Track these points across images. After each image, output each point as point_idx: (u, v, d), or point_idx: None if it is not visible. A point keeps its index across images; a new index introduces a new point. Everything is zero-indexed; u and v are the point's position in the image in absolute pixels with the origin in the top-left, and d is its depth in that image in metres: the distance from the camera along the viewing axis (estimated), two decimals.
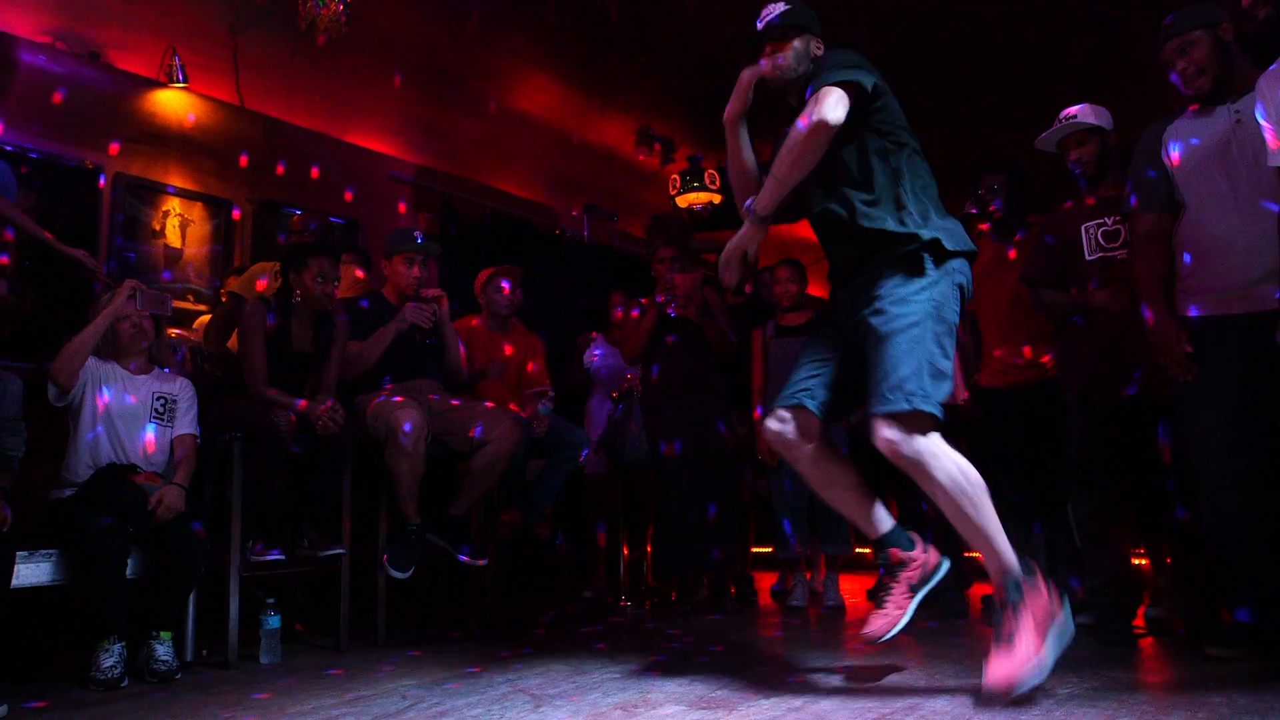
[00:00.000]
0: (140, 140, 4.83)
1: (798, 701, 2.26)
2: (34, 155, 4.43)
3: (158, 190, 4.91)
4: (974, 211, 3.84)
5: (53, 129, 4.50)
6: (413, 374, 3.67)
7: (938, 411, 2.19)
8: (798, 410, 2.40)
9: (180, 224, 4.98)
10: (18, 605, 2.73)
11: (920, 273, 2.26)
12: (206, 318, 4.66)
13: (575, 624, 3.85)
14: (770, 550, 4.61)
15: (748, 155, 2.55)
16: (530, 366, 4.30)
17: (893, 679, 2.52)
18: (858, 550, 4.72)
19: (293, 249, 3.60)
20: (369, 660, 3.05)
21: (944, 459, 2.20)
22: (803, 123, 2.24)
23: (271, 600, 3.10)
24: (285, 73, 5.01)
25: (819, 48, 2.47)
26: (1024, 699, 2.12)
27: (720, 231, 6.55)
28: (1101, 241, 3.21)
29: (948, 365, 2.24)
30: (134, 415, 3.04)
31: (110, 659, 2.66)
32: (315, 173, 5.31)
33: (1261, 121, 2.51)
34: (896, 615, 2.36)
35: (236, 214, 5.17)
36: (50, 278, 4.03)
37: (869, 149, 2.32)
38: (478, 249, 5.64)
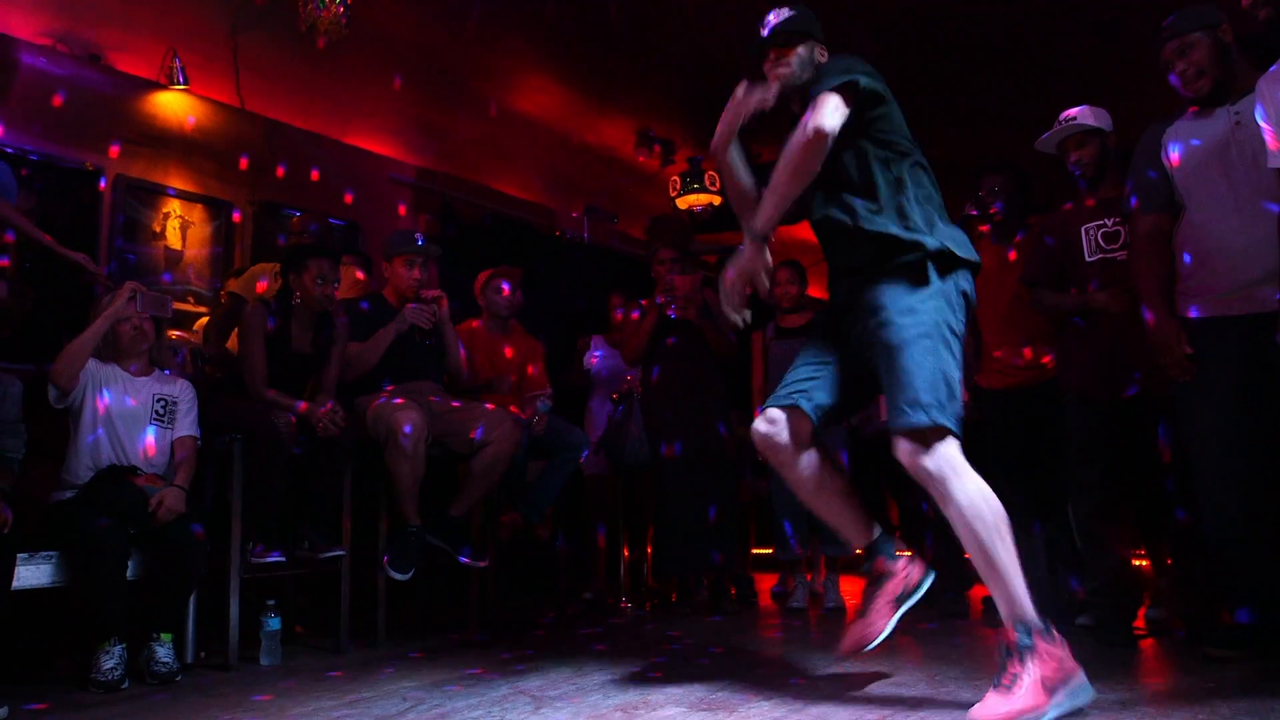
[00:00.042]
0: (140, 142, 4.83)
1: (798, 703, 2.26)
2: (34, 157, 4.43)
3: (158, 192, 4.91)
4: (974, 213, 3.84)
5: (53, 131, 4.50)
6: (413, 375, 3.67)
7: (955, 425, 2.12)
8: (791, 411, 2.33)
9: (180, 226, 4.99)
10: (18, 607, 2.73)
11: (925, 282, 2.20)
12: (207, 319, 4.66)
13: (575, 625, 3.85)
14: (770, 551, 4.61)
15: (744, 177, 2.45)
16: (530, 369, 4.30)
17: (892, 681, 2.52)
18: (858, 551, 4.71)
19: (292, 251, 3.60)
20: (369, 662, 3.05)
21: (966, 479, 2.12)
22: (799, 132, 2.18)
23: (272, 602, 3.09)
24: (285, 74, 5.01)
25: (823, 54, 2.42)
26: None
27: (721, 233, 6.56)
28: (1101, 243, 3.21)
29: (959, 375, 2.19)
30: (134, 417, 3.04)
31: (110, 661, 2.66)
32: (315, 174, 5.30)
33: (1261, 123, 2.51)
34: (878, 628, 2.30)
35: (237, 216, 5.17)
36: (50, 280, 4.03)
37: (870, 156, 2.27)
38: (478, 250, 5.63)
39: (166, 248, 4.93)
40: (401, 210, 5.92)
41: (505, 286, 4.35)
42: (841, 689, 2.43)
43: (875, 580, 2.39)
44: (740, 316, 2.34)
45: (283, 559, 3.16)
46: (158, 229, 4.90)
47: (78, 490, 2.91)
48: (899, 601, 2.35)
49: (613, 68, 5.26)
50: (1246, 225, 2.67)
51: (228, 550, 3.05)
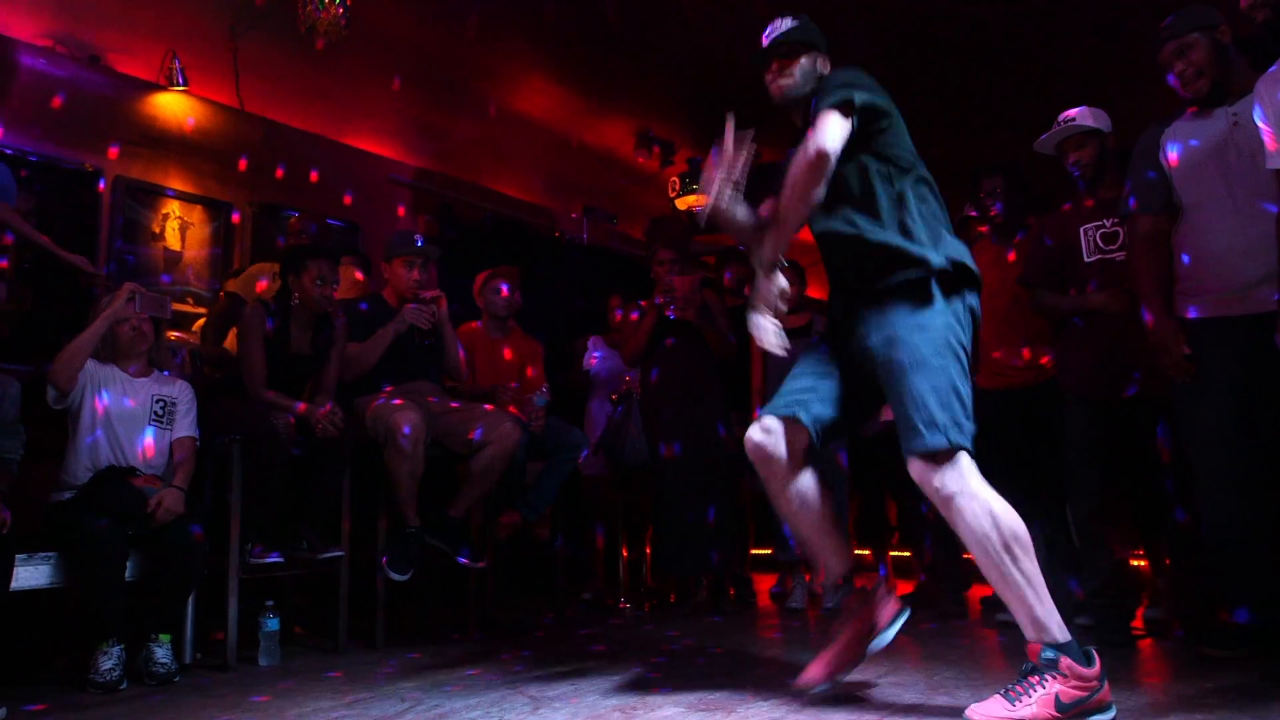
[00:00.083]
0: (140, 143, 4.83)
1: (796, 704, 2.26)
2: (34, 158, 4.43)
3: (157, 193, 4.91)
4: (974, 214, 3.84)
5: (52, 132, 4.50)
6: (412, 376, 3.67)
7: (970, 444, 2.09)
8: (789, 423, 2.25)
9: (180, 227, 4.99)
10: (16, 608, 2.74)
11: (930, 301, 2.15)
12: (205, 319, 4.67)
13: (574, 626, 3.85)
14: (769, 552, 4.62)
15: (744, 220, 2.29)
16: (529, 371, 4.29)
17: (891, 681, 2.51)
18: (857, 552, 4.71)
19: (291, 251, 3.60)
20: (368, 662, 3.05)
21: (976, 500, 2.06)
22: (802, 154, 2.14)
23: (270, 602, 3.09)
24: (285, 75, 5.02)
25: (826, 65, 2.38)
26: None
27: (720, 234, 6.55)
28: (1100, 243, 3.21)
29: (970, 390, 2.15)
30: (133, 418, 3.04)
31: (109, 661, 2.66)
32: (315, 176, 5.31)
33: (1260, 124, 2.51)
34: (840, 664, 2.24)
35: (236, 217, 5.17)
36: (49, 280, 4.04)
37: (871, 171, 2.22)
38: (477, 251, 5.63)
39: (166, 249, 4.93)
40: (401, 211, 5.93)
41: (504, 287, 4.34)
42: (840, 690, 2.42)
43: (847, 615, 2.32)
44: (782, 348, 2.21)
45: (281, 560, 3.16)
46: (157, 230, 4.91)
47: (76, 491, 2.91)
48: (866, 640, 2.27)
49: (612, 68, 5.26)
50: (1245, 225, 2.67)
51: (226, 551, 3.04)
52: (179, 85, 4.84)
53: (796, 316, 4.40)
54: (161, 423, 3.09)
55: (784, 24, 2.39)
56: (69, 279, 3.80)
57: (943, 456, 2.08)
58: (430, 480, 3.46)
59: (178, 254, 4.97)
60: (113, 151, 4.66)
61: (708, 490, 4.09)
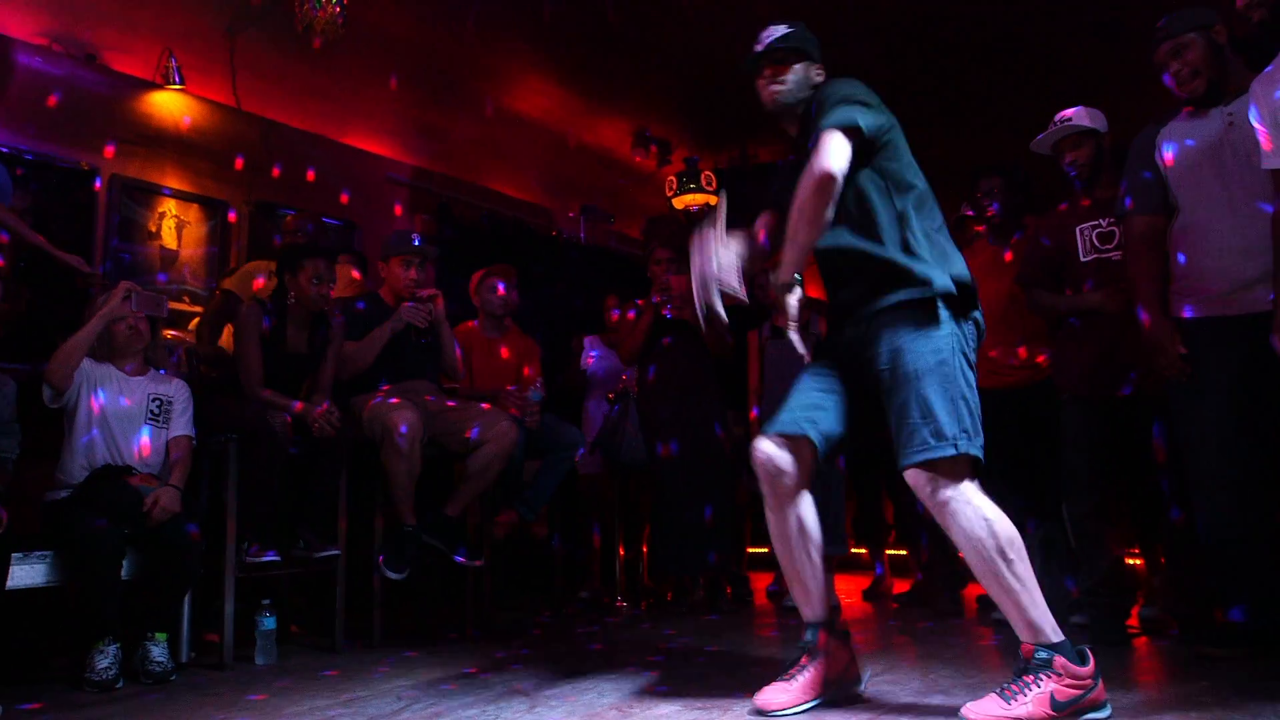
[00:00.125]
0: (136, 142, 4.82)
1: None
2: (30, 157, 4.42)
3: (153, 192, 4.91)
4: (970, 214, 3.84)
5: (49, 131, 4.49)
6: (409, 375, 3.67)
7: (980, 452, 2.10)
8: (799, 441, 2.22)
9: (176, 226, 4.98)
10: (13, 606, 2.73)
11: (935, 319, 2.14)
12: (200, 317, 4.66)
13: (571, 625, 3.85)
14: (766, 551, 4.59)
15: (752, 259, 2.31)
16: (526, 370, 4.29)
17: (887, 680, 2.52)
18: (854, 550, 4.72)
19: (288, 250, 3.60)
20: (365, 661, 3.04)
21: (970, 506, 2.07)
22: (807, 176, 2.12)
23: (267, 601, 3.09)
24: (282, 74, 5.01)
25: (819, 74, 2.37)
26: None
27: None
28: (1096, 243, 3.21)
29: (977, 400, 2.16)
30: (129, 417, 3.04)
31: (105, 660, 2.66)
32: (312, 174, 5.29)
33: (1255, 124, 2.52)
34: (797, 700, 2.20)
35: (232, 216, 5.16)
36: (45, 279, 4.03)
37: (872, 188, 2.20)
38: (474, 251, 5.62)
39: (162, 247, 4.93)
40: (398, 210, 5.92)
41: (500, 286, 4.34)
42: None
43: (813, 654, 2.29)
44: (807, 349, 2.25)
45: (278, 558, 3.15)
46: (153, 229, 4.90)
47: (73, 490, 2.91)
48: (825, 688, 2.25)
49: (610, 68, 5.26)
50: (1241, 225, 2.68)
51: (223, 550, 3.04)
52: (176, 84, 4.83)
53: None
54: (158, 421, 3.09)
55: (778, 30, 2.37)
56: (65, 278, 3.79)
57: (944, 465, 2.08)
58: (427, 479, 3.46)
59: (174, 253, 4.96)
60: (109, 150, 4.64)
61: (705, 489, 4.09)
